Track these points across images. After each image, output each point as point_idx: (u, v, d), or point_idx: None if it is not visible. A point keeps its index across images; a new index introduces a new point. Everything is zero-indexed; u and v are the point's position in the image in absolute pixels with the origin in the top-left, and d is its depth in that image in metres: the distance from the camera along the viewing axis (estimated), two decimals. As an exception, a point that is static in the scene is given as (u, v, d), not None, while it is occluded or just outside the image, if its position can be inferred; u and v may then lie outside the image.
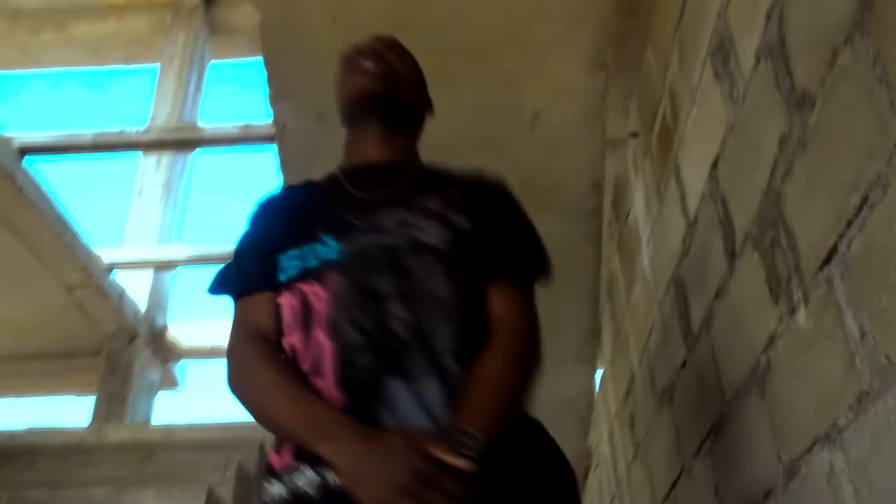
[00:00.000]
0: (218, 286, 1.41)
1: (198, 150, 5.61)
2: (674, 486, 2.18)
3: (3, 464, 2.95)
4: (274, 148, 3.46)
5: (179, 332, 5.22)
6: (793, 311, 1.37)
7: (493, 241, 1.35)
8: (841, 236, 1.19)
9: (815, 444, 1.31)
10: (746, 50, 1.54)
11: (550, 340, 3.49)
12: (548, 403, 3.82)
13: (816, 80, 1.25)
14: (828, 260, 1.24)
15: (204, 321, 5.44)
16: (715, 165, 1.75)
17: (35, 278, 4.26)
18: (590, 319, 3.25)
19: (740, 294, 1.63)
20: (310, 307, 1.25)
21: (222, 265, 1.44)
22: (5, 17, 6.31)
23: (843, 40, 1.16)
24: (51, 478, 2.69)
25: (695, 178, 1.90)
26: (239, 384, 1.27)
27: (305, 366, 1.23)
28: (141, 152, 5.62)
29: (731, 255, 1.66)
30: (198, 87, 6.06)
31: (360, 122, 1.49)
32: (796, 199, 1.35)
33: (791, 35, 1.34)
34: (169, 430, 3.38)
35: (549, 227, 3.08)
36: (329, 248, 1.30)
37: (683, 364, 2.05)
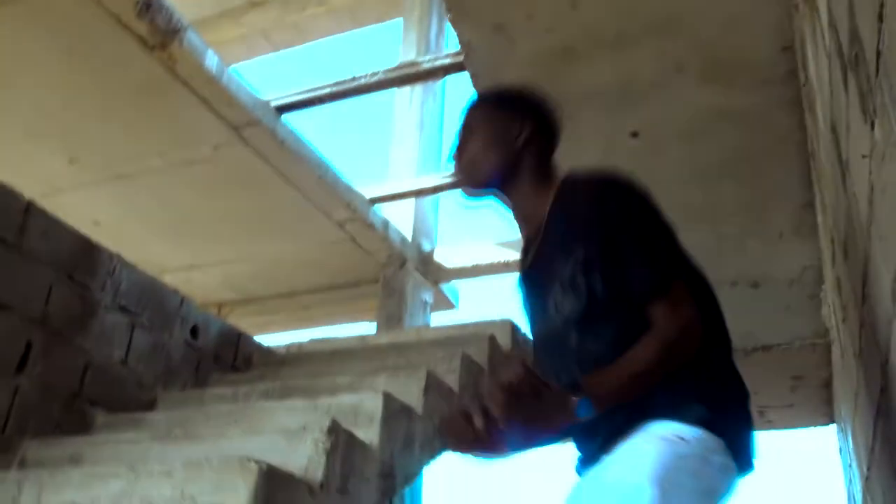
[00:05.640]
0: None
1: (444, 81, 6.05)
2: (860, 340, 2.09)
3: (288, 365, 3.57)
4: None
5: (447, 254, 5.71)
6: (872, 126, 1.32)
7: (616, 281, 1.48)
8: (879, 32, 1.15)
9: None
10: None
11: (762, 217, 3.41)
12: (771, 281, 3.70)
13: None
14: (878, 64, 1.19)
15: (470, 244, 5.87)
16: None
17: (310, 219, 4.93)
18: (804, 191, 3.08)
19: (853, 123, 1.56)
20: None
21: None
22: (277, 3, 7.16)
23: None
24: (316, 372, 3.22)
25: (824, 6, 1.80)
26: None
27: None
28: (395, 95, 6.17)
29: (846, 85, 1.59)
30: (440, 31, 6.43)
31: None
32: (859, 4, 1.29)
33: None
34: (420, 331, 3.81)
35: (742, 100, 3.01)
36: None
37: (847, 210, 1.96)
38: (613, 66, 3.01)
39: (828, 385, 4.15)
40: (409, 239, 5.57)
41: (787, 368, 4.06)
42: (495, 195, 1.67)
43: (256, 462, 1.86)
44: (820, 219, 3.01)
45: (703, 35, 2.84)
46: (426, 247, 5.72)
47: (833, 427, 4.97)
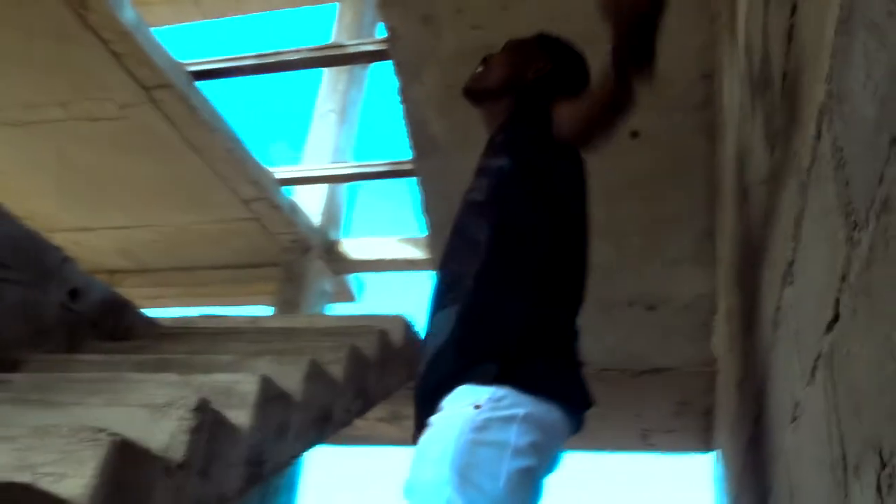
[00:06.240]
0: None
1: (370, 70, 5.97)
2: (744, 372, 2.12)
3: (170, 339, 3.41)
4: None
5: (354, 245, 5.61)
6: (773, 148, 1.31)
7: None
8: (787, 52, 1.14)
9: (782, 284, 1.27)
10: None
11: (664, 241, 3.44)
12: (667, 305, 3.76)
13: None
14: (783, 84, 1.18)
15: (376, 237, 5.77)
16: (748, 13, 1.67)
17: (215, 193, 4.76)
18: (705, 219, 3.13)
19: (757, 148, 1.57)
20: None
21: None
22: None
23: None
24: (198, 349, 3.08)
25: (742, 30, 1.81)
26: None
27: None
28: (322, 78, 6.05)
29: (753, 109, 1.60)
30: (374, 19, 6.33)
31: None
32: (773, 25, 1.29)
33: None
34: (312, 319, 3.71)
35: (657, 122, 3.02)
36: None
37: (745, 241, 1.97)
38: (536, 73, 2.99)
39: (709, 413, 4.25)
40: (317, 225, 5.45)
41: (674, 393, 4.13)
42: (483, 107, 1.84)
43: (110, 434, 1.74)
44: (718, 248, 3.06)
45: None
46: (333, 235, 5.61)
47: (710, 455, 5.14)
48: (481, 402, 1.31)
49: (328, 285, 5.50)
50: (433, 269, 5.29)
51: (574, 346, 1.53)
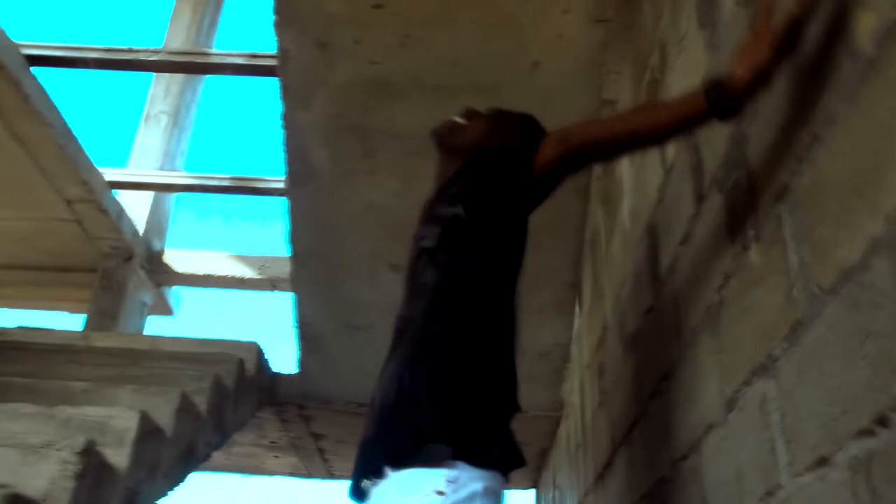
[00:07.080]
0: None
1: (206, 77, 5.68)
2: (631, 429, 2.25)
3: (-7, 357, 3.04)
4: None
5: (177, 258, 5.28)
6: (745, 248, 1.42)
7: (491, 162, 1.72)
8: (793, 172, 1.24)
9: (753, 375, 1.37)
10: (729, -5, 1.57)
11: (530, 289, 3.54)
12: (525, 351, 3.91)
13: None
14: (780, 197, 1.29)
15: (208, 251, 5.45)
16: (695, 113, 1.79)
17: (35, 189, 4.31)
18: (571, 272, 3.31)
19: (703, 236, 1.68)
20: None
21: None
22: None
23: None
24: (36, 371, 2.77)
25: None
26: None
27: None
28: (153, 76, 5.68)
29: (699, 199, 1.72)
30: (213, 23, 6.06)
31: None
32: (757, 138, 1.40)
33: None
34: (155, 340, 3.47)
35: (537, 177, 3.15)
36: None
37: (649, 309, 2.11)
38: (427, 114, 3.02)
39: (544, 453, 4.45)
40: (140, 233, 5.09)
41: (518, 435, 4.24)
42: (444, 155, 1.85)
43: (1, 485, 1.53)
44: (585, 303, 3.24)
45: (517, 107, 2.95)
46: (157, 245, 5.27)
47: (531, 491, 5.41)
48: (441, 487, 1.30)
49: (147, 297, 5.15)
50: (268, 289, 5.14)
51: (512, 398, 1.58)
